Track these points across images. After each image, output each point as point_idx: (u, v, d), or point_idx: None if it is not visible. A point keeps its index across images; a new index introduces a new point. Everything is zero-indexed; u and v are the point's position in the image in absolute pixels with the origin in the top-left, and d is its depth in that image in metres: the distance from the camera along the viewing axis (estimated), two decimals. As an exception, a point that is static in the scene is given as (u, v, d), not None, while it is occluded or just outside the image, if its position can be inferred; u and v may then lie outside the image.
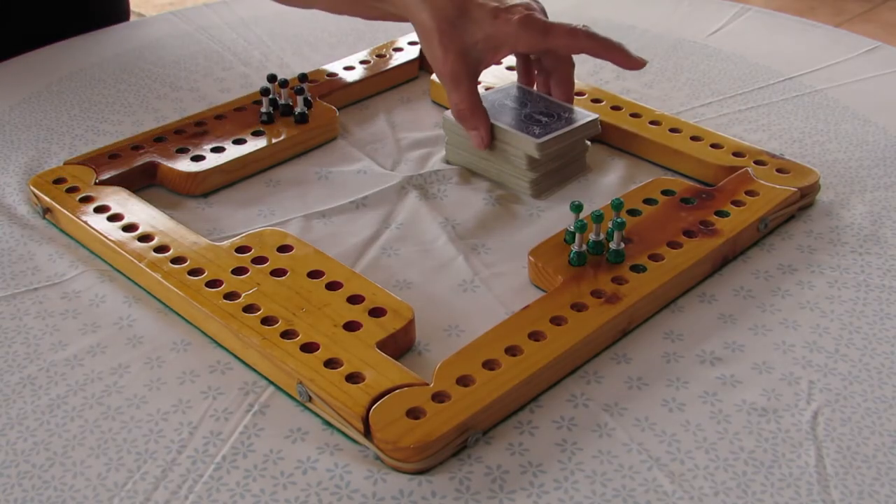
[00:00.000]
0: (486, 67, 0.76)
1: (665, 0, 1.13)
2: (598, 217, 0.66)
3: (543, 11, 0.77)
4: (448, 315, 0.65)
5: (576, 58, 0.80)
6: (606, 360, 0.61)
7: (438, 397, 0.55)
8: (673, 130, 0.81)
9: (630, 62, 0.76)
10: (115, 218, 0.71)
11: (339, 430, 0.56)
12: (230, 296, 0.63)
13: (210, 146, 0.80)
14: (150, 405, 0.58)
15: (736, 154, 0.78)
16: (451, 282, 0.68)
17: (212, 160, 0.78)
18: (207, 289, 0.63)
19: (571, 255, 0.65)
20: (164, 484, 0.52)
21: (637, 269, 0.65)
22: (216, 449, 0.55)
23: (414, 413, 0.54)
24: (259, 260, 0.66)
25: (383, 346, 0.59)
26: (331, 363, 0.57)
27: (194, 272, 0.65)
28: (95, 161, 0.78)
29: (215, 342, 0.62)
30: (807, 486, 0.52)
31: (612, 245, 0.65)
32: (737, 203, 0.71)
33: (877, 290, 0.66)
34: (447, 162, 0.81)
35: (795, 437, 0.55)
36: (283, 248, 0.67)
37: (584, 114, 0.78)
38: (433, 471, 0.53)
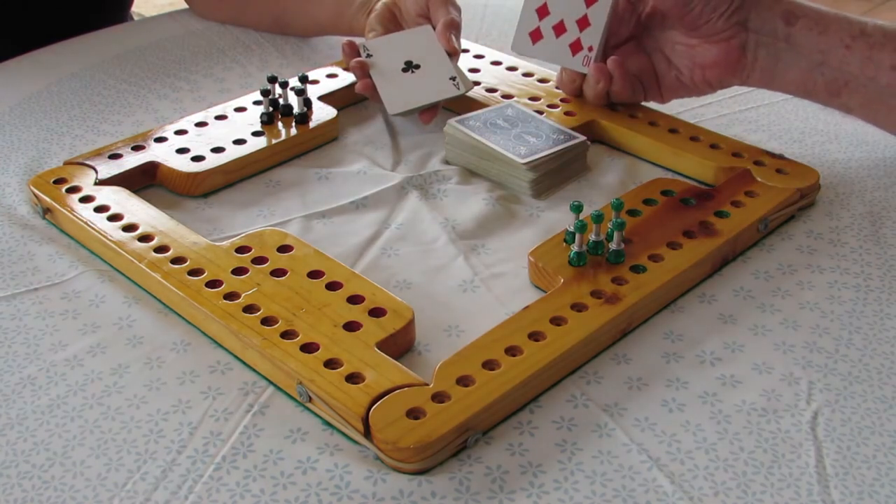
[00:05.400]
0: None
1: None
2: (598, 217, 0.65)
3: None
4: (448, 315, 0.65)
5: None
6: (606, 361, 0.61)
7: (438, 397, 0.55)
8: (672, 130, 0.81)
9: (446, 42, 0.84)
10: (115, 218, 0.71)
11: (339, 431, 0.56)
12: (230, 296, 0.63)
13: (210, 146, 0.80)
14: (150, 405, 0.58)
15: (735, 154, 0.78)
16: (451, 282, 0.68)
17: (212, 160, 0.78)
18: (207, 289, 0.63)
19: (571, 256, 0.65)
20: (164, 484, 0.52)
21: (637, 269, 0.65)
22: (216, 449, 0.55)
23: (414, 413, 0.54)
24: (259, 260, 0.66)
25: (383, 346, 0.59)
26: (331, 363, 0.57)
27: (194, 272, 0.65)
28: (95, 161, 0.78)
29: (215, 342, 0.62)
30: (807, 486, 0.52)
31: (612, 245, 0.65)
32: (736, 203, 0.71)
33: (877, 290, 0.66)
34: (447, 162, 0.81)
35: (795, 437, 0.55)
36: (283, 249, 0.67)
37: (572, 135, 0.78)
38: (433, 471, 0.53)
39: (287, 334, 0.59)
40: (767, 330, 0.63)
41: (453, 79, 0.82)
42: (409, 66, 0.83)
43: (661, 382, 0.59)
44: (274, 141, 0.81)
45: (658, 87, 0.82)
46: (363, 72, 0.84)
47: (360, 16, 0.93)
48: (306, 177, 0.80)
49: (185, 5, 1.11)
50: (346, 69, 0.90)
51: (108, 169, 0.77)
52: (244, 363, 0.61)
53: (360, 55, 0.85)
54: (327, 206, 0.76)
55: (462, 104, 0.86)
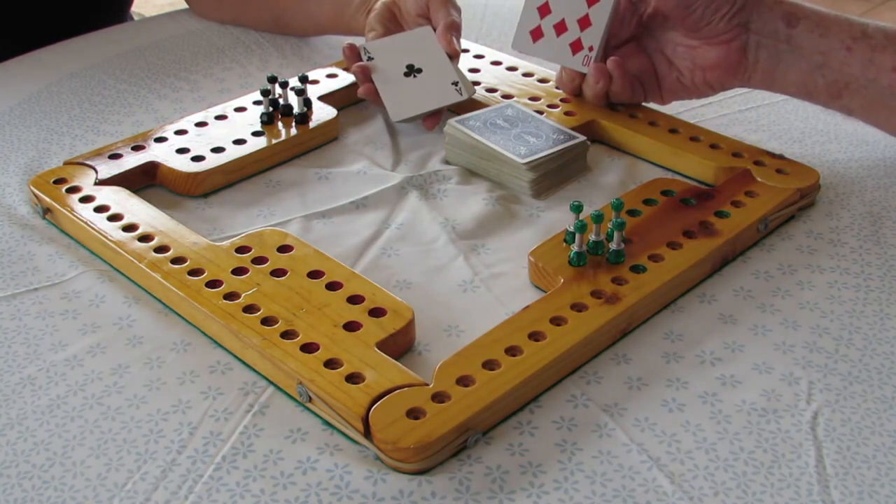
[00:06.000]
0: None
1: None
2: (598, 217, 0.65)
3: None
4: (448, 315, 0.65)
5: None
6: (606, 361, 0.61)
7: (438, 397, 0.55)
8: (672, 131, 0.81)
9: (447, 44, 0.85)
10: (115, 218, 0.71)
11: (339, 431, 0.56)
12: (230, 296, 0.63)
13: (210, 146, 0.80)
14: (150, 405, 0.58)
15: (735, 154, 0.78)
16: (451, 282, 0.68)
17: (212, 160, 0.78)
18: (207, 289, 0.63)
19: (571, 255, 0.65)
20: (164, 484, 0.52)
21: (637, 269, 0.65)
22: (216, 449, 0.55)
23: (414, 413, 0.54)
24: (259, 260, 0.66)
25: (383, 346, 0.59)
26: (331, 363, 0.57)
27: (194, 272, 0.65)
28: (95, 161, 0.78)
29: (215, 342, 0.62)
30: (807, 486, 0.52)
31: (612, 245, 0.65)
32: (736, 203, 0.71)
33: (877, 290, 0.66)
34: (447, 162, 0.81)
35: (795, 437, 0.55)
36: (283, 249, 0.67)
37: (572, 135, 0.78)
38: (433, 471, 0.53)
39: (287, 334, 0.59)
40: (767, 330, 0.63)
41: (455, 84, 0.82)
42: (412, 71, 0.83)
43: (661, 382, 0.59)
44: (274, 141, 0.81)
45: (658, 88, 0.82)
46: (365, 76, 0.84)
47: (358, 15, 0.93)
48: (306, 177, 0.80)
49: (185, 5, 1.11)
50: (346, 70, 0.90)
51: (108, 169, 0.77)
52: (244, 363, 0.61)
53: (361, 58, 0.85)
54: (327, 206, 0.76)
55: (462, 104, 0.86)
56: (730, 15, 0.74)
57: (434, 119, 0.83)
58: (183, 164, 0.78)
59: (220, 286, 0.64)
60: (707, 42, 0.76)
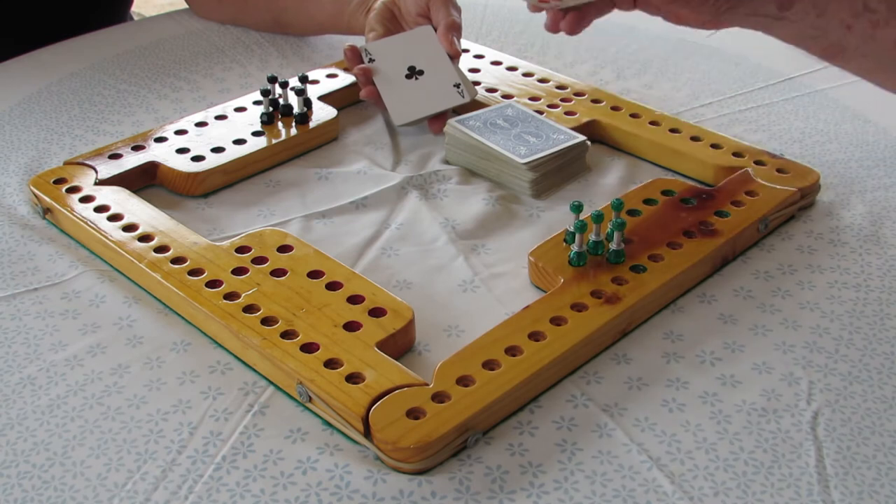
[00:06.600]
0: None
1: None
2: (598, 217, 0.65)
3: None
4: (448, 315, 0.65)
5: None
6: (606, 361, 0.61)
7: (438, 397, 0.55)
8: (673, 131, 0.81)
9: (448, 45, 0.85)
10: (115, 218, 0.71)
11: (339, 431, 0.56)
12: (230, 296, 0.63)
13: (210, 146, 0.80)
14: (150, 405, 0.58)
15: (736, 154, 0.78)
16: (451, 282, 0.68)
17: (212, 160, 0.78)
18: (207, 289, 0.63)
19: (571, 255, 0.65)
20: (164, 484, 0.52)
21: (637, 269, 0.65)
22: (216, 449, 0.55)
23: (414, 413, 0.54)
24: (259, 260, 0.66)
25: (383, 346, 0.59)
26: (331, 363, 0.57)
27: (194, 272, 0.65)
28: (95, 161, 0.78)
29: (215, 342, 0.62)
30: (807, 486, 0.52)
31: (612, 245, 0.65)
32: (736, 203, 0.71)
33: (877, 290, 0.66)
34: (447, 162, 0.81)
35: (795, 438, 0.55)
36: (283, 249, 0.67)
37: (572, 135, 0.78)
38: (433, 471, 0.53)
39: (287, 334, 0.59)
40: (767, 330, 0.63)
41: (457, 86, 0.82)
42: (413, 73, 0.83)
43: (661, 382, 0.59)
44: (274, 141, 0.81)
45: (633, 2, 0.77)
46: (367, 78, 0.84)
47: (358, 14, 0.93)
48: (306, 177, 0.80)
49: (185, 5, 1.11)
50: (346, 70, 0.90)
51: (108, 169, 0.77)
52: (244, 363, 0.61)
53: (362, 60, 0.85)
54: (327, 206, 0.76)
55: (463, 105, 0.86)
56: (717, 3, 0.71)
57: (439, 123, 0.83)
58: (183, 164, 0.78)
59: (220, 286, 0.64)
60: (690, 14, 0.73)
